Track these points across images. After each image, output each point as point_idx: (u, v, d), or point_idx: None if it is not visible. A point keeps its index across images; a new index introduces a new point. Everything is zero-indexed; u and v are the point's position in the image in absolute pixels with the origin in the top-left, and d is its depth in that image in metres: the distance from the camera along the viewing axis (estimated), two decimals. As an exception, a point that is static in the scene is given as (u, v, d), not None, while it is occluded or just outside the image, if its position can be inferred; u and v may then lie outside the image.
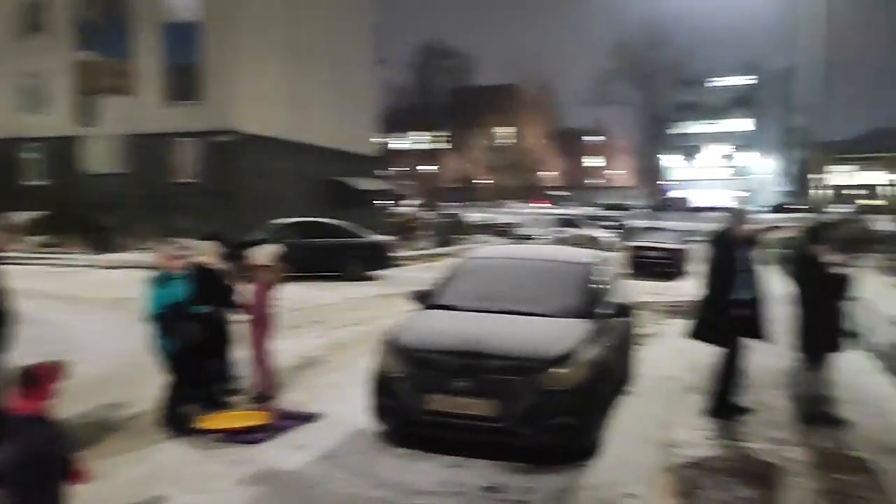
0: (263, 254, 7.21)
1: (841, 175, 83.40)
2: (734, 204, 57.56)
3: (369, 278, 17.85)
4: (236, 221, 20.65)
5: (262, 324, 7.06)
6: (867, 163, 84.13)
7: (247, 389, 7.09)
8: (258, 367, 7.08)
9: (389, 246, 19.60)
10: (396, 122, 59.43)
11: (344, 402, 6.88)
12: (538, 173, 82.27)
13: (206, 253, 6.82)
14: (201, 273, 6.57)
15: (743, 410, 6.74)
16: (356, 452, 5.80)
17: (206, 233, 7.10)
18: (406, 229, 31.51)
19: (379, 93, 41.43)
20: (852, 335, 6.79)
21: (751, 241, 6.84)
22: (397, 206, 43.46)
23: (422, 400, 5.65)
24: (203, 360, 6.52)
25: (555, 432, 5.49)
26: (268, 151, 25.71)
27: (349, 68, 31.17)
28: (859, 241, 23.04)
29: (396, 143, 70.85)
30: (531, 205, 64.71)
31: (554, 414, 5.45)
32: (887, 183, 79.66)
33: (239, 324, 7.01)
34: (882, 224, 34.44)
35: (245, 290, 7.02)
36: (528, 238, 27.75)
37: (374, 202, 32.35)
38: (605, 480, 5.22)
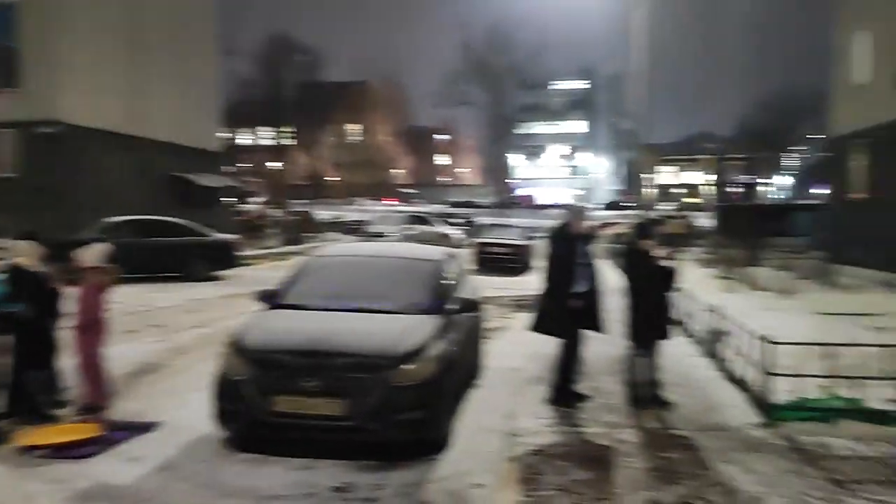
0: (91, 254, 6.70)
1: (666, 175, 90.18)
2: (572, 201, 60.64)
3: (214, 278, 17.17)
4: (66, 220, 19.13)
5: (91, 329, 6.58)
6: (688, 164, 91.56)
7: (74, 400, 6.59)
8: (86, 375, 6.59)
9: (235, 245, 18.97)
10: (243, 116, 57.43)
11: (185, 409, 6.57)
12: (389, 171, 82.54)
13: (23, 254, 6.27)
14: (18, 275, 6.04)
15: (582, 397, 7.11)
16: (198, 461, 5.54)
17: (23, 232, 6.51)
18: (253, 227, 30.58)
19: (225, 86, 39.89)
20: (677, 323, 7.34)
21: (588, 236, 7.22)
22: (244, 203, 42.08)
23: (268, 402, 5.50)
24: (25, 370, 6.00)
25: (405, 428, 5.53)
26: (101, 145, 24.00)
27: (192, 59, 29.71)
28: (682, 235, 24.88)
29: (243, 138, 68.51)
30: (382, 202, 64.89)
31: (403, 409, 5.48)
32: (705, 183, 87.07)
33: (65, 330, 6.50)
34: (701, 220, 37.51)
35: (71, 294, 6.52)
36: (379, 236, 27.76)
37: (220, 199, 31.12)
38: (454, 472, 5.32)
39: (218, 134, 34.37)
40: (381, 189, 75.12)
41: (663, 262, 6.99)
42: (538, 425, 6.45)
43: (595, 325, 7.01)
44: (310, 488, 5.07)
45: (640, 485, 5.13)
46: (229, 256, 18.10)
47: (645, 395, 7.04)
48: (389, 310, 6.27)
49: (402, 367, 5.53)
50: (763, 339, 6.64)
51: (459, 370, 6.61)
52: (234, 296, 13.97)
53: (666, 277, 7.04)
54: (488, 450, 5.79)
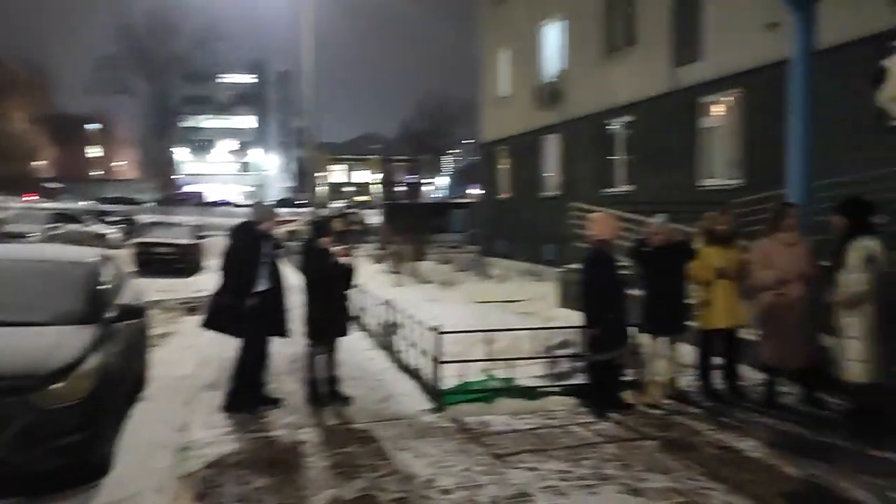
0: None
1: (337, 174, 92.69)
2: (257, 198, 59.26)
3: None
4: None
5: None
6: (357, 163, 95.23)
7: None
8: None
9: None
10: None
11: None
12: (29, 163, 72.52)
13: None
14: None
15: (269, 401, 6.90)
16: None
17: None
18: None
19: None
20: (355, 318, 7.49)
21: (271, 234, 7.03)
22: None
23: None
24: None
25: (59, 454, 4.81)
26: None
27: None
28: (356, 232, 25.71)
29: None
30: (24, 198, 56.76)
31: (57, 435, 4.76)
32: (373, 181, 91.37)
33: None
34: (370, 217, 39.19)
35: None
36: (19, 237, 24.18)
37: None
38: (119, 497, 4.77)
39: None
40: (20, 183, 65.73)
41: (341, 260, 7.07)
42: (213, 435, 6.09)
43: (278, 326, 6.86)
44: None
45: (323, 483, 5.10)
46: None
47: (324, 392, 7.07)
48: (33, 321, 5.41)
49: (51, 387, 4.80)
50: (434, 329, 7.05)
51: (122, 384, 5.98)
52: None
53: (345, 275, 7.13)
54: (158, 467, 5.30)
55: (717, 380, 7.33)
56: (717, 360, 7.36)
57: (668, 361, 7.22)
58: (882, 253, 5.81)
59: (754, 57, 12.09)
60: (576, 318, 6.94)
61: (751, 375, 7.49)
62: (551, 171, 20.47)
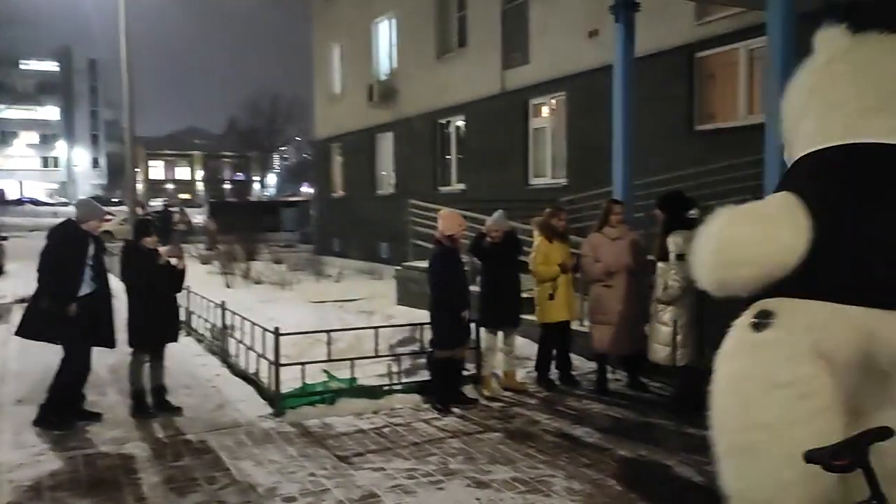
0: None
1: (157, 170, 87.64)
2: (49, 196, 54.48)
3: None
4: None
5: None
6: (179, 159, 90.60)
7: None
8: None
9: None
10: None
11: None
12: None
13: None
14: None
15: (88, 415, 6.32)
16: None
17: None
18: None
19: None
20: (183, 322, 7.04)
21: (96, 234, 6.45)
22: None
23: None
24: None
25: None
26: None
27: None
28: (181, 232, 24.36)
29: None
30: None
31: None
32: (197, 179, 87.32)
33: None
34: (196, 216, 37.39)
35: None
36: None
37: None
38: None
39: None
40: None
41: (169, 261, 6.62)
42: (26, 456, 5.49)
43: (103, 335, 6.29)
44: None
45: (155, 501, 4.74)
46: None
47: (151, 402, 6.60)
48: None
49: None
50: (274, 331, 6.77)
51: None
52: None
53: (173, 277, 6.69)
54: (-42, 499, 4.69)
55: (553, 370, 7.65)
56: (553, 352, 7.67)
57: (506, 354, 7.42)
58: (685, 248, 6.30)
59: (577, 62, 12.75)
60: (416, 314, 6.99)
61: (582, 365, 7.88)
62: (386, 169, 20.51)
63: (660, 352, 6.42)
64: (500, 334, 7.38)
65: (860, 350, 3.07)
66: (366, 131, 20.90)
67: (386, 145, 20.38)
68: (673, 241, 6.36)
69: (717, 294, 3.42)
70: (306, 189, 66.22)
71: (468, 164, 16.71)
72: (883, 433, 2.59)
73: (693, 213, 6.67)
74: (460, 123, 17.16)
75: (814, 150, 3.45)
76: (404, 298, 12.38)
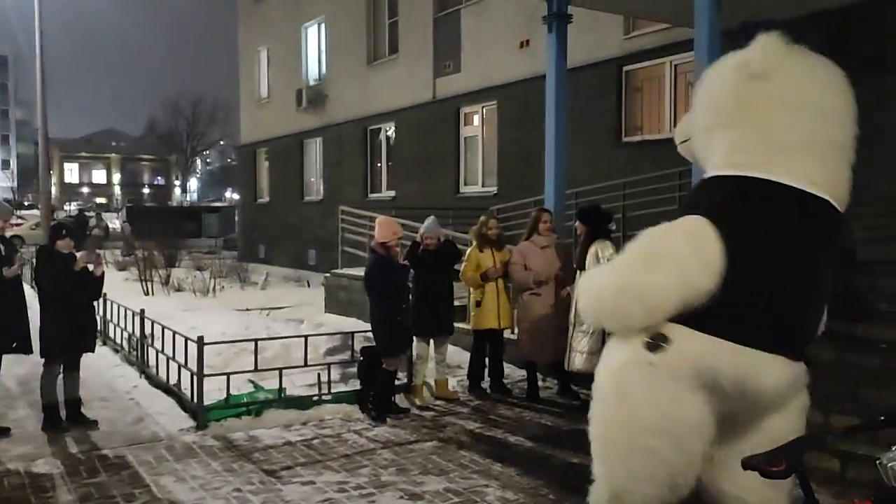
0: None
1: (73, 172, 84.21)
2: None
3: None
4: None
5: None
6: (95, 162, 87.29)
7: None
8: None
9: None
10: None
11: None
12: None
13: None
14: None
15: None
16: None
17: None
18: None
19: None
20: (100, 332, 6.71)
21: (5, 236, 6.07)
22: None
23: None
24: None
25: None
26: None
27: None
28: (98, 238, 23.45)
29: None
30: None
31: None
32: (113, 182, 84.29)
33: None
34: (113, 221, 36.04)
35: None
36: None
37: None
38: None
39: None
40: None
41: (86, 266, 6.28)
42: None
43: (17, 341, 5.92)
44: None
45: (67, 522, 4.46)
46: None
47: (65, 415, 6.24)
48: None
49: None
50: (197, 340, 6.50)
51: None
52: None
53: (91, 284, 6.36)
54: None
55: (485, 379, 7.61)
56: (485, 360, 7.64)
57: (438, 363, 7.35)
58: (610, 257, 6.40)
59: (508, 72, 12.86)
60: (345, 323, 6.83)
61: (513, 373, 7.88)
62: (315, 176, 20.21)
63: (577, 359, 6.49)
64: (433, 343, 7.31)
65: (736, 383, 3.29)
66: (294, 136, 20.56)
67: (314, 151, 20.10)
68: (598, 251, 6.44)
69: (609, 329, 3.71)
70: (230, 195, 64.81)
71: (399, 172, 16.64)
72: (816, 440, 2.64)
73: (611, 225, 6.82)
74: (391, 130, 17.07)
75: (730, 174, 3.46)
76: (333, 306, 12.17)
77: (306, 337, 7.27)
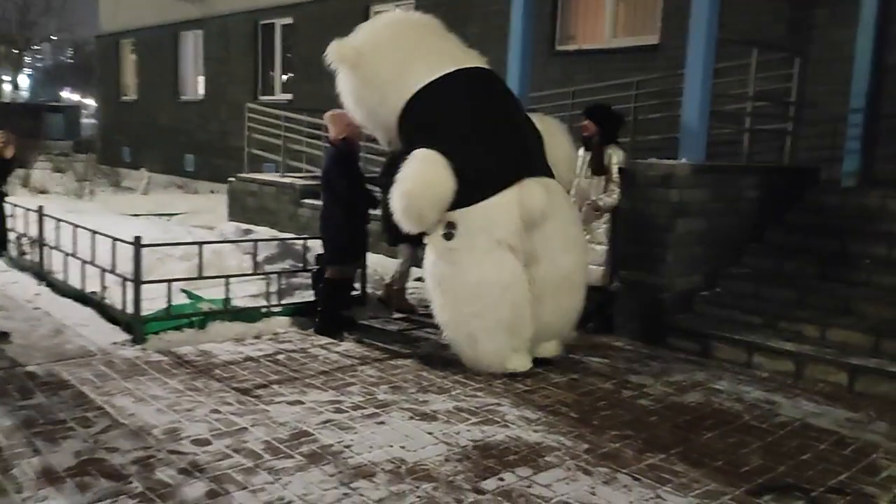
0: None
1: None
2: None
3: None
4: None
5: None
6: None
7: None
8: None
9: None
10: None
11: None
12: None
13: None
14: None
15: None
16: None
17: None
18: None
19: None
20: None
21: None
22: None
23: None
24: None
25: None
26: None
27: None
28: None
29: None
30: None
31: None
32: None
33: None
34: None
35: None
36: None
37: None
38: None
39: None
40: None
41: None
42: None
43: None
44: None
45: (19, 453, 3.57)
46: None
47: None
48: None
49: None
50: (134, 241, 5.50)
51: None
52: None
53: None
54: None
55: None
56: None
57: (400, 273, 6.78)
58: (620, 163, 6.04)
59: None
60: (261, 231, 6.02)
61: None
62: (193, 73, 18.34)
63: (594, 273, 6.05)
64: (402, 248, 6.69)
65: (518, 219, 4.90)
66: (168, 27, 18.46)
67: (193, 45, 18.15)
68: (615, 154, 6.02)
69: (412, 229, 5.03)
70: (69, 95, 58.80)
71: (296, 73, 15.33)
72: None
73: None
74: (286, 25, 15.61)
75: (432, 79, 5.23)
76: (238, 214, 11.12)
77: (256, 241, 6.43)
